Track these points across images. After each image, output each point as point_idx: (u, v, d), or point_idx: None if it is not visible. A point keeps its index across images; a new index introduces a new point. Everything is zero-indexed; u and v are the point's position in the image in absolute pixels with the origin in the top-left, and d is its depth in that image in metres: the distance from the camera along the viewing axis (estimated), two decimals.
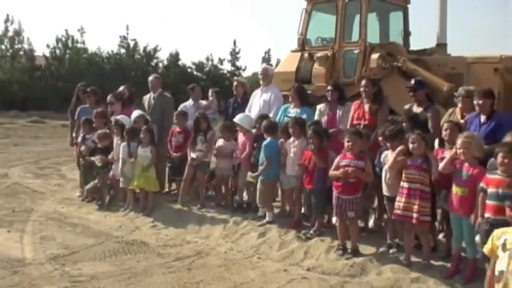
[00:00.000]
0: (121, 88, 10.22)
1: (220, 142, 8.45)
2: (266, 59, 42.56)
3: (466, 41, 58.67)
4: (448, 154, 5.70)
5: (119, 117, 9.10)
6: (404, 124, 6.49)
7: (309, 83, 10.42)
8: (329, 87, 7.69)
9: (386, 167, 6.11)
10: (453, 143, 5.61)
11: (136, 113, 9.12)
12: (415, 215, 5.63)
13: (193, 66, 40.21)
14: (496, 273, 3.19)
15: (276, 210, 7.83)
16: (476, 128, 6.10)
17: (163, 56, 42.40)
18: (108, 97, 9.75)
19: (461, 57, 9.78)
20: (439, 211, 6.06)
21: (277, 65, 17.86)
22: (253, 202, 7.99)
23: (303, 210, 7.32)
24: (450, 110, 7.01)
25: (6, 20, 35.04)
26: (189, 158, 8.53)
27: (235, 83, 9.86)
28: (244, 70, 41.27)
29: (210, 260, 6.31)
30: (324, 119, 7.57)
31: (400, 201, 5.75)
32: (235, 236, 7.17)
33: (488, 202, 4.86)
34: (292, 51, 11.46)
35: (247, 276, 5.74)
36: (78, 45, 36.47)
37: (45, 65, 34.91)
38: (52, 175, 12.05)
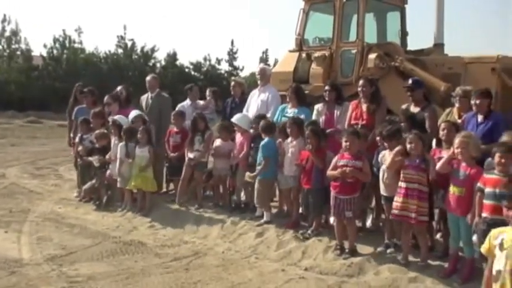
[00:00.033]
0: (118, 88, 10.22)
1: (217, 142, 8.45)
2: (264, 59, 42.67)
3: (464, 42, 58.77)
4: (445, 154, 5.71)
5: (116, 117, 9.09)
6: (402, 124, 6.50)
7: (306, 83, 10.42)
8: (327, 87, 7.70)
9: (384, 166, 6.12)
10: (450, 143, 5.62)
11: (134, 113, 9.11)
12: (413, 215, 5.64)
13: (191, 66, 40.22)
14: (494, 272, 3.19)
15: (274, 210, 7.83)
16: (473, 128, 6.12)
17: (161, 56, 42.39)
18: (105, 98, 9.74)
19: (458, 57, 9.79)
20: (436, 211, 6.06)
21: (275, 65, 17.80)
22: (251, 202, 7.99)
23: (300, 210, 7.31)
24: (447, 110, 7.02)
25: (3, 20, 34.99)
26: (186, 158, 8.53)
27: (232, 83, 9.84)
28: (242, 70, 41.30)
29: (208, 260, 6.31)
30: (322, 119, 7.57)
31: (398, 201, 5.75)
32: (233, 236, 7.17)
33: (486, 202, 4.86)
34: (290, 51, 11.46)
35: (244, 276, 5.74)
36: (76, 45, 36.46)
37: (42, 65, 34.85)
38: (49, 175, 12.03)
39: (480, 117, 6.18)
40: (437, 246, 6.19)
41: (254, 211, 7.81)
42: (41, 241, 6.98)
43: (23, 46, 35.51)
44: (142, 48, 38.03)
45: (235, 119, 8.25)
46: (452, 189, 5.43)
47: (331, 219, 6.83)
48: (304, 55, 10.94)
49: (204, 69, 40.20)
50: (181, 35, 74.87)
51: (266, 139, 7.53)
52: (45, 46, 35.50)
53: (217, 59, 40.77)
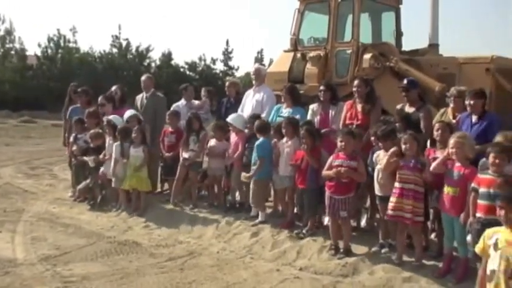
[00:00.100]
0: (113, 88, 10.20)
1: (212, 142, 8.44)
2: (259, 59, 42.77)
3: (459, 42, 58.99)
4: (439, 154, 5.73)
5: (110, 117, 9.08)
6: (397, 124, 6.51)
7: (301, 83, 10.42)
8: (321, 87, 7.70)
9: (378, 166, 6.12)
10: (445, 143, 5.64)
11: (129, 113, 9.09)
12: (408, 215, 5.65)
13: (186, 66, 40.33)
14: (488, 272, 3.20)
15: (269, 210, 7.83)
16: (467, 128, 6.14)
17: (155, 55, 42.40)
18: (99, 99, 9.72)
19: (453, 58, 9.81)
20: (431, 210, 6.07)
21: (269, 65, 17.85)
22: (246, 202, 8.00)
23: (295, 210, 7.32)
24: (442, 110, 7.04)
25: None
26: (181, 158, 8.52)
27: (227, 83, 9.85)
28: (237, 70, 41.43)
29: (203, 260, 6.30)
30: (317, 119, 7.57)
31: (393, 202, 5.75)
32: (228, 236, 7.16)
33: (480, 202, 4.88)
34: (285, 51, 11.46)
35: (239, 276, 5.73)
36: (70, 44, 36.49)
37: (36, 65, 34.81)
38: (44, 175, 12.00)
39: (474, 118, 6.21)
40: (432, 246, 6.20)
41: (249, 211, 7.80)
42: (35, 241, 6.96)
43: (17, 45, 35.56)
44: (137, 47, 38.11)
45: (230, 118, 8.25)
46: (447, 190, 5.44)
47: (326, 220, 6.84)
48: (299, 55, 10.95)
49: (199, 69, 40.28)
50: (176, 34, 74.79)
51: (261, 139, 7.52)
52: (39, 45, 35.54)
53: (212, 58, 40.92)
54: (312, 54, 10.61)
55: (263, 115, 8.21)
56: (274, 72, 10.96)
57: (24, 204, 8.98)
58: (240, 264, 6.17)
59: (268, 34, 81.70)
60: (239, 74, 39.45)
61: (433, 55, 10.52)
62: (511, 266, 3.04)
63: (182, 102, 9.91)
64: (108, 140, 8.92)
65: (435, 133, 5.95)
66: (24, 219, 8.02)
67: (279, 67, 11.31)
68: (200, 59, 40.49)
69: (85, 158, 9.10)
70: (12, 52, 35.34)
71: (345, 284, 5.49)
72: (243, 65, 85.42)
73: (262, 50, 57.97)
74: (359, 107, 7.18)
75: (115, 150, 8.59)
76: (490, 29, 72.16)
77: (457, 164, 5.37)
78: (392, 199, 5.76)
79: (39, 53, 35.26)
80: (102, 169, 8.85)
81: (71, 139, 9.54)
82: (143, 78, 9.94)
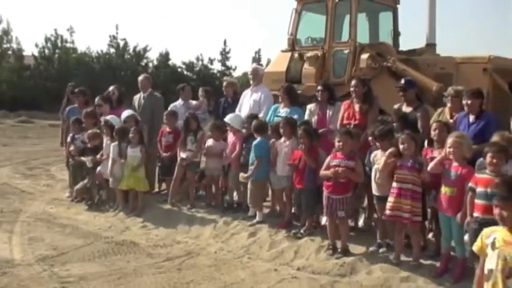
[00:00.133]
0: (110, 88, 10.19)
1: (209, 142, 8.44)
2: (256, 59, 42.74)
3: (457, 42, 59.10)
4: (437, 154, 5.73)
5: (108, 117, 9.06)
6: (394, 124, 6.51)
7: (299, 82, 10.43)
8: (319, 87, 7.70)
9: (376, 166, 6.13)
10: (442, 143, 5.64)
11: (126, 113, 9.08)
12: (407, 215, 5.65)
13: (184, 66, 40.31)
14: (485, 271, 3.20)
15: (266, 210, 7.83)
16: (465, 128, 6.15)
17: (153, 55, 42.38)
18: (96, 99, 9.71)
19: (450, 57, 9.83)
20: (428, 210, 6.08)
21: (267, 65, 17.83)
22: (244, 202, 7.99)
23: (293, 210, 7.32)
24: (439, 110, 7.05)
25: None
26: (179, 158, 8.51)
27: (225, 83, 9.85)
28: (234, 70, 41.41)
29: (200, 260, 6.30)
30: (314, 119, 7.57)
31: (391, 202, 5.75)
32: (226, 236, 7.16)
33: (477, 201, 4.88)
34: (283, 51, 11.46)
35: (237, 276, 5.73)
36: (68, 44, 36.45)
37: (34, 65, 34.79)
38: (41, 175, 11.98)
39: (472, 117, 6.22)
40: (429, 245, 6.20)
41: (247, 211, 7.80)
42: (33, 241, 6.95)
43: (14, 45, 35.50)
44: (135, 48, 38.07)
45: (227, 118, 8.25)
46: (444, 190, 5.45)
47: (323, 220, 6.85)
48: (296, 55, 10.95)
49: (196, 69, 40.28)
50: (173, 35, 74.73)
51: (258, 139, 7.52)
52: (36, 46, 35.54)
53: (209, 58, 40.95)
54: (309, 54, 10.61)
55: (260, 115, 8.21)
56: (271, 72, 10.96)
57: (21, 205, 8.96)
58: (237, 264, 6.17)
59: (266, 34, 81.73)
60: (237, 74, 39.55)
61: (430, 55, 10.53)
62: (509, 265, 3.05)
63: (179, 102, 9.90)
64: (105, 140, 8.91)
65: (432, 133, 5.96)
66: (22, 220, 8.01)
67: (276, 67, 11.31)
68: (198, 59, 40.54)
69: (82, 158, 9.09)
70: (10, 52, 35.29)
71: (343, 283, 5.49)
72: (241, 65, 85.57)
73: (259, 50, 57.92)
74: (356, 107, 7.18)
75: (113, 151, 8.58)
76: (488, 28, 72.44)
77: (455, 164, 5.38)
78: (391, 199, 5.77)
79: (36, 53, 35.28)
80: (99, 168, 8.84)
81: (69, 139, 9.52)
82: (141, 78, 9.92)
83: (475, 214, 4.88)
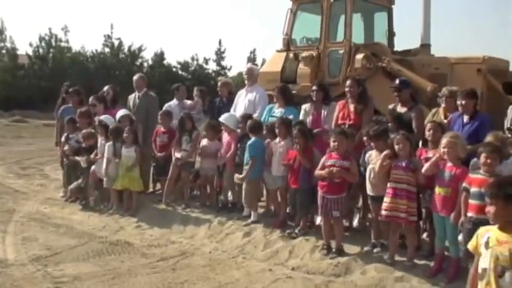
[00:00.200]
0: (105, 88, 10.17)
1: (204, 142, 8.43)
2: (251, 59, 42.74)
3: (451, 42, 59.30)
4: (431, 154, 5.75)
5: (102, 117, 9.04)
6: (389, 124, 6.52)
7: (294, 82, 10.44)
8: (314, 87, 7.70)
9: (370, 166, 6.14)
10: (436, 143, 5.66)
11: (121, 113, 9.07)
12: (403, 215, 5.65)
13: (179, 66, 40.23)
14: (479, 270, 3.22)
15: (261, 210, 7.83)
16: (459, 128, 6.16)
17: (148, 55, 42.28)
18: (90, 99, 9.70)
19: (444, 58, 9.87)
20: (423, 210, 6.09)
21: (262, 64, 17.84)
22: (238, 202, 7.99)
23: (288, 210, 7.32)
24: (434, 110, 7.06)
25: None
26: (173, 158, 8.50)
27: (220, 83, 9.84)
28: (229, 70, 41.35)
29: (195, 260, 6.29)
30: (309, 119, 7.57)
31: (387, 202, 5.75)
32: (220, 236, 7.15)
33: (471, 201, 4.90)
34: (278, 51, 11.47)
35: (232, 276, 5.73)
36: (62, 44, 36.31)
37: (28, 64, 34.65)
38: (35, 175, 11.94)
39: (466, 118, 6.24)
40: (423, 245, 6.21)
41: (241, 211, 7.80)
42: (26, 241, 6.92)
43: (8, 44, 35.36)
44: (130, 47, 37.97)
45: (222, 118, 8.24)
46: (438, 190, 5.46)
47: (318, 220, 6.85)
48: (291, 55, 10.96)
49: (191, 68, 40.23)
50: (168, 34, 74.64)
51: (253, 139, 7.52)
52: (31, 45, 35.42)
53: (204, 58, 40.92)
54: (304, 54, 10.62)
55: (255, 115, 8.21)
56: (266, 72, 10.96)
57: (15, 205, 8.93)
58: (232, 264, 6.17)
59: (261, 34, 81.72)
60: (231, 73, 39.45)
61: (425, 55, 10.56)
62: (501, 263, 3.07)
63: (174, 102, 9.89)
64: (100, 140, 8.89)
65: (427, 133, 5.97)
66: (15, 220, 7.98)
67: (271, 67, 11.32)
68: (193, 58, 40.50)
69: (77, 158, 9.06)
70: (3, 51, 35.15)
71: (337, 283, 5.49)
72: (236, 64, 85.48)
73: (254, 49, 57.81)
74: (351, 107, 7.19)
75: (107, 150, 8.56)
76: (483, 28, 72.58)
77: (449, 164, 5.39)
78: (387, 199, 5.77)
79: (30, 53, 35.14)
80: (93, 167, 8.81)
81: (63, 139, 9.50)
82: (135, 77, 9.91)
83: (469, 214, 4.90)
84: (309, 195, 6.70)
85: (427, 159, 5.76)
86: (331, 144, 6.24)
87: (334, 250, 6.18)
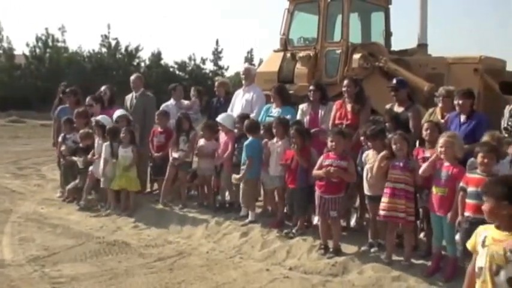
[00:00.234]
0: (102, 88, 10.16)
1: (201, 142, 8.43)
2: (249, 59, 42.70)
3: (449, 42, 59.44)
4: (428, 154, 5.76)
5: (99, 117, 9.04)
6: (386, 124, 6.53)
7: (291, 82, 10.45)
8: (311, 87, 7.70)
9: (367, 166, 6.14)
10: (433, 143, 5.67)
11: (118, 113, 9.06)
12: (402, 215, 5.66)
13: (176, 66, 40.18)
14: (476, 269, 3.23)
15: (259, 210, 7.83)
16: (456, 128, 6.18)
17: (145, 55, 42.25)
18: (87, 99, 9.69)
19: (441, 58, 9.88)
20: (420, 210, 6.09)
21: (259, 64, 17.87)
22: (236, 202, 7.98)
23: (285, 210, 7.32)
24: (430, 110, 7.08)
25: None
26: (170, 158, 8.49)
27: (217, 83, 9.84)
28: (226, 70, 41.33)
29: (192, 260, 6.29)
30: (306, 119, 7.57)
31: (385, 202, 5.76)
32: (218, 236, 7.15)
33: (468, 201, 4.91)
34: (275, 51, 11.47)
35: (229, 276, 5.73)
36: (59, 44, 36.22)
37: (25, 64, 34.56)
38: (32, 175, 11.91)
39: (463, 117, 6.25)
40: (421, 245, 6.22)
41: (239, 211, 7.79)
42: (23, 242, 6.91)
43: (5, 45, 35.25)
44: (127, 47, 37.89)
45: (219, 118, 8.24)
46: (435, 190, 5.47)
47: (315, 219, 6.85)
48: (289, 55, 10.97)
49: (188, 68, 40.19)
50: (166, 34, 74.54)
51: (250, 139, 7.52)
52: (27, 45, 35.33)
53: (202, 58, 40.86)
54: (301, 54, 10.63)
55: (252, 115, 8.21)
56: (264, 72, 10.97)
57: (11, 205, 8.90)
58: (229, 264, 6.17)
59: (259, 34, 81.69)
60: (229, 73, 39.40)
61: (422, 55, 10.58)
62: (496, 262, 3.08)
63: (171, 102, 9.88)
64: (97, 140, 8.88)
65: (424, 133, 5.98)
66: (12, 220, 7.96)
67: (268, 67, 11.32)
68: (190, 58, 40.46)
69: (74, 158, 9.05)
70: (0, 51, 35.05)
71: (335, 283, 5.50)
72: (233, 64, 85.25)
73: (252, 49, 57.81)
74: (348, 106, 7.19)
75: (105, 150, 8.55)
76: (482, 29, 72.80)
77: (446, 164, 5.40)
78: (385, 199, 5.77)
79: (27, 53, 35.03)
80: (91, 168, 8.80)
81: (60, 139, 9.48)
82: (133, 77, 9.89)
83: (466, 214, 4.92)
84: (306, 195, 6.70)
85: (424, 159, 5.78)
86: (329, 144, 6.25)
87: (331, 250, 6.18)
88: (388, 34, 11.47)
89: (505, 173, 4.94)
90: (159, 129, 9.04)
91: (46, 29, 35.81)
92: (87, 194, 8.87)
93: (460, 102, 6.23)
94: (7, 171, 12.23)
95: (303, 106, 7.75)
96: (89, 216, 8.26)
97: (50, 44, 35.71)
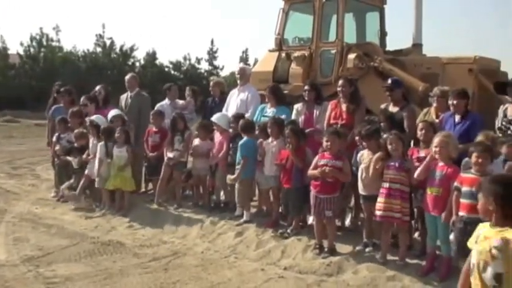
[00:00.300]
0: (97, 88, 10.14)
1: (196, 142, 8.42)
2: (244, 59, 42.64)
3: (445, 42, 59.62)
4: (423, 153, 5.77)
5: (93, 117, 9.02)
6: (381, 124, 6.54)
7: (286, 82, 10.46)
8: (306, 87, 7.71)
9: (362, 166, 6.15)
10: (428, 143, 5.68)
11: (113, 112, 9.04)
12: (397, 215, 5.68)
13: (171, 66, 40.09)
14: (471, 266, 3.25)
15: (253, 210, 7.83)
16: (450, 128, 6.20)
17: (140, 55, 42.15)
18: (82, 99, 9.66)
19: (436, 58, 9.91)
20: (414, 210, 6.11)
21: (254, 64, 17.85)
22: (231, 202, 7.98)
23: (280, 210, 7.32)
24: (425, 110, 7.10)
25: None
26: (165, 158, 8.48)
27: (212, 83, 9.84)
28: (221, 69, 41.27)
29: (187, 260, 6.28)
30: (301, 119, 7.58)
31: (381, 202, 5.76)
32: (212, 235, 7.14)
33: (463, 201, 4.93)
34: (270, 50, 11.48)
35: (224, 276, 5.73)
36: (53, 43, 36.07)
37: (19, 64, 34.42)
38: (26, 175, 11.86)
39: (457, 117, 6.27)
40: (415, 245, 6.24)
41: (233, 211, 7.79)
42: (18, 242, 6.88)
43: None
44: (121, 47, 37.78)
45: (214, 118, 8.23)
46: (430, 190, 5.48)
47: (310, 219, 6.86)
48: (284, 55, 10.97)
49: (183, 68, 40.10)
50: (160, 34, 74.42)
51: (244, 138, 7.52)
52: (22, 44, 35.15)
53: (197, 58, 40.75)
54: (296, 54, 10.63)
55: (247, 115, 8.21)
56: (259, 71, 10.97)
57: (6, 205, 8.86)
58: (224, 264, 6.16)
59: (254, 34, 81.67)
60: (224, 73, 39.37)
61: (416, 55, 10.61)
62: (483, 258, 3.10)
63: (166, 101, 9.87)
64: (91, 140, 8.86)
65: (419, 132, 6.00)
66: (7, 220, 7.93)
67: (263, 67, 11.33)
68: (185, 58, 40.35)
69: (68, 158, 9.02)
70: None
71: (330, 283, 5.51)
72: (228, 64, 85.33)
73: (247, 49, 57.64)
74: (343, 106, 7.21)
75: (100, 150, 8.53)
76: (478, 29, 73.07)
77: (440, 164, 5.41)
78: (381, 199, 5.78)
79: (21, 52, 34.89)
80: (87, 170, 8.78)
81: (54, 139, 9.46)
82: (127, 77, 9.87)
83: (461, 213, 4.93)
84: (301, 194, 6.71)
85: (418, 159, 5.79)
86: (324, 144, 6.25)
87: (326, 250, 6.19)
88: (383, 34, 11.49)
89: (499, 172, 4.95)
90: (154, 129, 9.02)
91: (40, 28, 35.70)
92: (82, 194, 8.84)
93: (455, 102, 6.25)
94: (1, 171, 12.17)
95: (297, 106, 7.76)
96: (83, 216, 8.23)
97: (45, 43, 35.56)
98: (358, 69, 9.99)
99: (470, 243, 3.37)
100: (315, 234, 6.37)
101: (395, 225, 5.88)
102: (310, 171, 6.30)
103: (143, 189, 9.60)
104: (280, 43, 11.23)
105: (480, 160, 4.84)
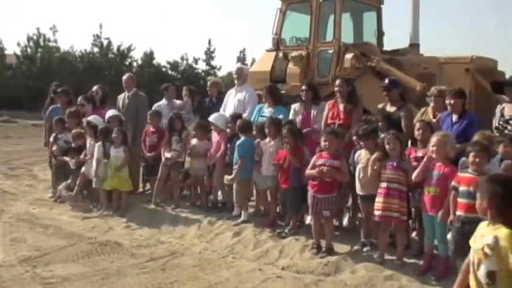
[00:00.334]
0: (94, 88, 10.12)
1: (193, 142, 8.41)
2: (241, 59, 42.67)
3: (441, 40, 59.71)
4: (420, 153, 5.78)
5: (90, 118, 9.01)
6: (378, 123, 6.55)
7: (283, 82, 10.46)
8: (303, 87, 7.71)
9: (360, 165, 6.16)
10: (425, 142, 5.69)
11: (110, 113, 9.03)
12: (395, 215, 5.68)
13: (168, 66, 40.11)
14: (470, 264, 3.28)
15: (251, 210, 7.83)
16: (448, 127, 6.20)
17: (137, 55, 42.11)
18: (79, 99, 9.65)
19: (433, 58, 9.93)
20: (412, 209, 6.11)
21: (252, 64, 17.87)
22: (228, 201, 7.98)
23: (278, 210, 7.32)
24: (422, 110, 7.10)
25: None
26: (163, 158, 8.47)
27: (209, 83, 9.84)
28: (219, 69, 41.31)
29: (185, 260, 6.28)
30: (299, 119, 7.58)
31: (379, 202, 5.76)
32: (210, 235, 7.14)
33: (460, 200, 4.93)
34: (267, 50, 11.49)
35: (222, 276, 5.72)
36: (51, 43, 36.04)
37: (16, 64, 34.38)
38: (23, 176, 11.84)
39: (455, 117, 6.28)
40: (413, 244, 6.24)
41: (231, 210, 7.79)
42: (15, 242, 6.87)
43: None
44: (119, 47, 37.77)
45: (212, 118, 8.23)
46: (427, 189, 5.48)
47: (308, 219, 6.86)
48: (281, 55, 10.98)
49: (181, 68, 40.13)
50: (158, 34, 74.41)
51: (242, 138, 7.52)
52: (18, 44, 35.15)
53: (194, 58, 40.81)
54: (294, 53, 10.64)
55: (245, 115, 8.21)
56: (256, 71, 10.98)
57: (3, 205, 8.84)
58: (222, 264, 6.16)
59: (251, 33, 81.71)
60: (221, 73, 39.39)
61: (414, 55, 10.62)
62: (477, 256, 3.13)
63: (164, 102, 9.87)
64: (88, 140, 8.85)
65: (416, 132, 6.00)
66: (4, 221, 7.91)
67: (261, 67, 11.33)
68: (182, 58, 40.41)
69: (66, 158, 9.01)
70: None
71: (327, 282, 5.50)
72: (225, 64, 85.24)
73: (244, 49, 57.71)
74: (341, 106, 7.21)
75: (97, 151, 8.52)
76: (477, 28, 73.18)
77: (438, 164, 5.42)
78: (379, 199, 5.78)
79: (18, 52, 34.84)
80: (83, 169, 8.77)
81: (51, 139, 9.45)
82: (125, 77, 9.86)
83: (458, 213, 4.93)
84: (299, 194, 6.71)
85: (416, 158, 5.80)
86: (322, 143, 6.25)
87: (324, 249, 6.19)
88: (380, 34, 11.51)
89: (496, 171, 4.96)
90: (152, 129, 9.02)
91: (37, 28, 35.66)
92: (79, 194, 8.83)
93: (452, 101, 6.26)
94: None
95: (295, 106, 7.76)
96: (80, 217, 8.22)
97: (42, 43, 35.53)
98: (356, 69, 10.00)
99: (471, 241, 3.39)
100: (312, 234, 6.37)
101: (393, 225, 5.88)
102: (308, 171, 6.31)
103: (141, 190, 9.58)
104: (278, 43, 11.24)
105: (477, 160, 4.85)
